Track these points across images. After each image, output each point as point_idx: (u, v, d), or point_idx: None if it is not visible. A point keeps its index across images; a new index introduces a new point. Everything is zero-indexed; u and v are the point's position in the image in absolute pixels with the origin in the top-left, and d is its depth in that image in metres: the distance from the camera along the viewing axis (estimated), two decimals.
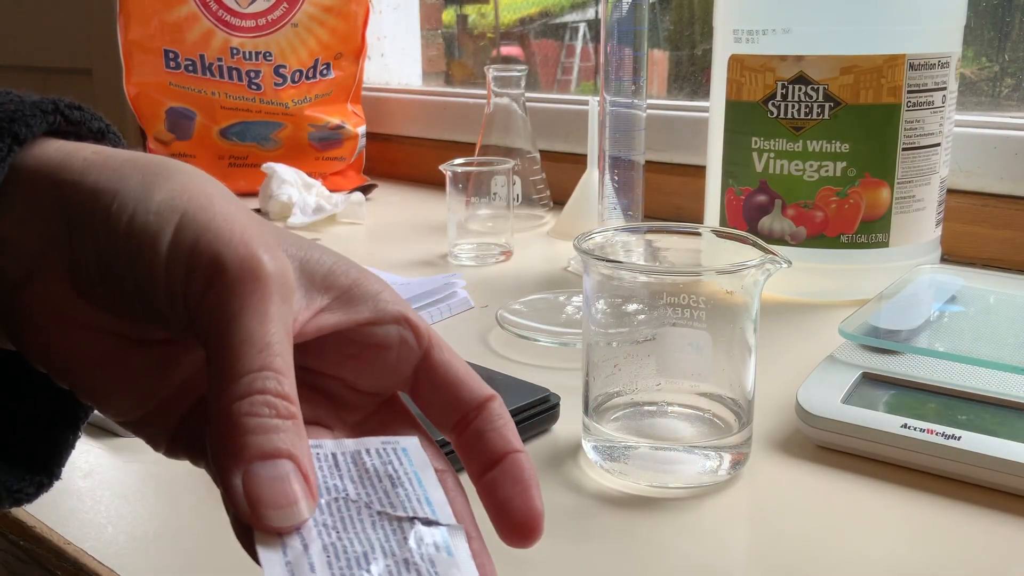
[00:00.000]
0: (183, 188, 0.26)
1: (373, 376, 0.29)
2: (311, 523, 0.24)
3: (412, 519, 0.25)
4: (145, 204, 0.25)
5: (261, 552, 0.23)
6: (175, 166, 0.27)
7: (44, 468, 0.30)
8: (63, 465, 0.31)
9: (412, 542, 0.24)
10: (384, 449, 0.27)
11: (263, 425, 0.23)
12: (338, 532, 0.24)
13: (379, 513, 0.25)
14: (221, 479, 0.23)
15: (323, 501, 0.25)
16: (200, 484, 0.47)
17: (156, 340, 0.28)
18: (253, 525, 0.23)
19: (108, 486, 0.48)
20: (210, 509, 0.45)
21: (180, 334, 0.26)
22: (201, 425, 0.27)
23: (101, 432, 0.53)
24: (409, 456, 0.27)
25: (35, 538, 0.44)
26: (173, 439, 0.29)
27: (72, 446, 0.31)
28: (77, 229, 0.26)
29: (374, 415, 0.30)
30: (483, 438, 0.28)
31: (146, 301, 0.26)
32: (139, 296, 0.26)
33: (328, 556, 0.23)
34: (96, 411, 0.29)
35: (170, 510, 0.46)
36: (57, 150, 0.27)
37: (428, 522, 0.25)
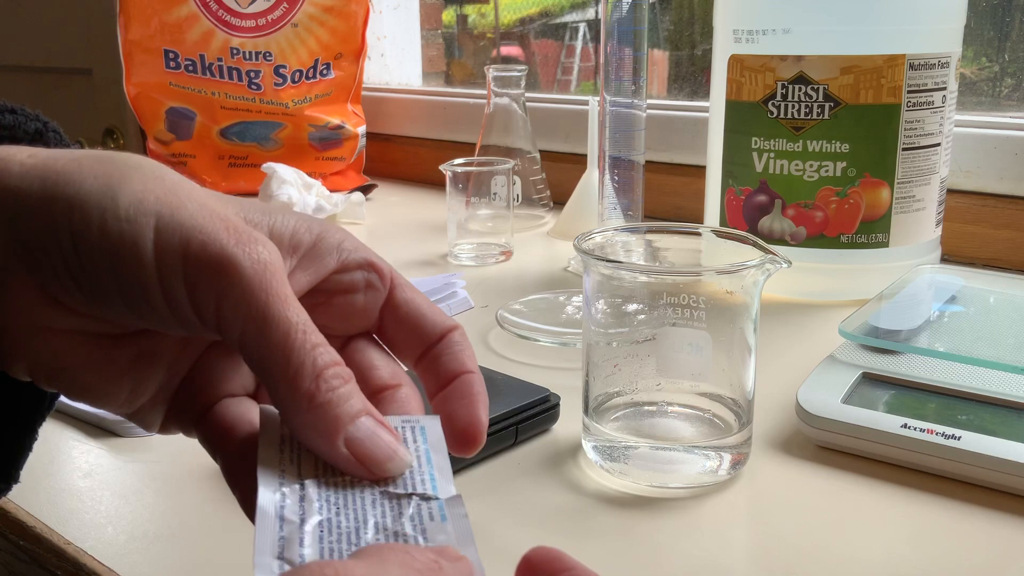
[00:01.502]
0: (145, 188, 0.26)
1: (343, 320, 0.30)
2: (315, 498, 0.25)
3: (411, 495, 0.26)
4: (113, 211, 0.25)
5: (258, 523, 0.24)
6: (124, 161, 0.26)
7: (2, 473, 0.30)
8: (21, 468, 0.31)
9: (406, 517, 0.25)
10: (403, 427, 0.28)
11: (343, 395, 0.25)
12: (338, 508, 0.25)
13: (381, 492, 0.26)
14: (326, 452, 0.26)
15: (332, 480, 0.26)
16: (200, 484, 0.47)
17: (133, 333, 0.28)
18: (373, 479, 0.26)
19: (108, 486, 0.48)
20: (210, 509, 0.45)
21: (175, 328, 0.26)
22: (189, 398, 0.29)
23: (101, 432, 0.53)
24: (425, 434, 0.28)
25: (35, 538, 0.44)
26: (166, 418, 0.29)
27: (30, 448, 0.31)
28: (34, 240, 0.25)
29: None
30: (440, 360, 0.29)
31: (133, 305, 0.26)
32: (125, 300, 0.26)
33: (321, 531, 0.24)
34: (101, 411, 0.29)
35: (170, 510, 0.46)
36: None
37: (426, 497, 0.26)
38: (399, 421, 0.28)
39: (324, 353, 0.25)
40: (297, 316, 0.25)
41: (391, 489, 0.26)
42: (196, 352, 0.29)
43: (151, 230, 0.25)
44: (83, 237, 0.25)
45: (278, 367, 0.25)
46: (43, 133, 0.30)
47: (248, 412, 0.29)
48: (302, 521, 0.24)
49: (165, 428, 0.30)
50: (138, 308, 0.26)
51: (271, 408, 0.28)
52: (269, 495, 0.25)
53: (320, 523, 0.24)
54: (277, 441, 0.27)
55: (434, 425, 0.28)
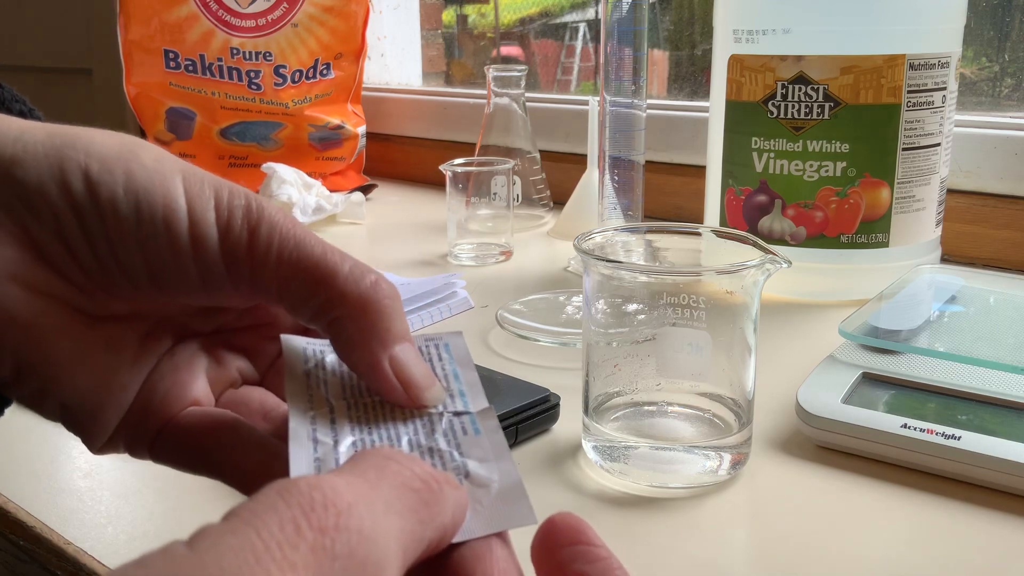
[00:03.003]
0: (160, 152, 0.26)
1: None
2: (347, 420, 0.25)
3: (442, 414, 0.26)
4: (139, 162, 0.25)
5: (291, 447, 0.24)
6: (128, 135, 0.27)
7: None
8: None
9: (439, 432, 0.25)
10: (427, 347, 0.28)
11: (396, 309, 0.26)
12: (370, 428, 0.25)
13: (412, 411, 0.26)
14: (369, 367, 0.25)
15: (361, 402, 0.26)
16: (200, 484, 0.47)
17: (108, 316, 0.27)
18: (409, 405, 0.26)
19: (108, 486, 0.48)
20: (210, 509, 0.45)
21: (189, 280, 0.26)
22: (149, 414, 0.28)
23: None
24: (450, 352, 0.28)
25: (35, 538, 0.44)
26: (115, 433, 0.28)
27: None
28: (36, 188, 0.25)
29: None
30: None
31: (154, 249, 0.25)
32: (144, 246, 0.25)
33: (356, 451, 0.24)
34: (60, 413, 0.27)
35: (170, 510, 0.46)
36: None
37: (458, 413, 0.26)
38: (422, 341, 0.28)
39: (367, 268, 0.26)
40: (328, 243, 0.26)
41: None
42: (156, 354, 0.28)
43: (179, 177, 0.26)
44: (103, 184, 0.25)
45: (327, 277, 0.25)
46: (27, 116, 0.30)
47: (226, 417, 0.28)
48: (336, 442, 0.24)
49: (111, 444, 0.28)
50: (157, 254, 0.25)
51: (293, 336, 0.28)
52: (300, 419, 0.25)
53: (354, 443, 0.24)
54: (302, 368, 0.27)
55: (458, 341, 0.29)
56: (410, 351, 0.26)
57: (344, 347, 0.26)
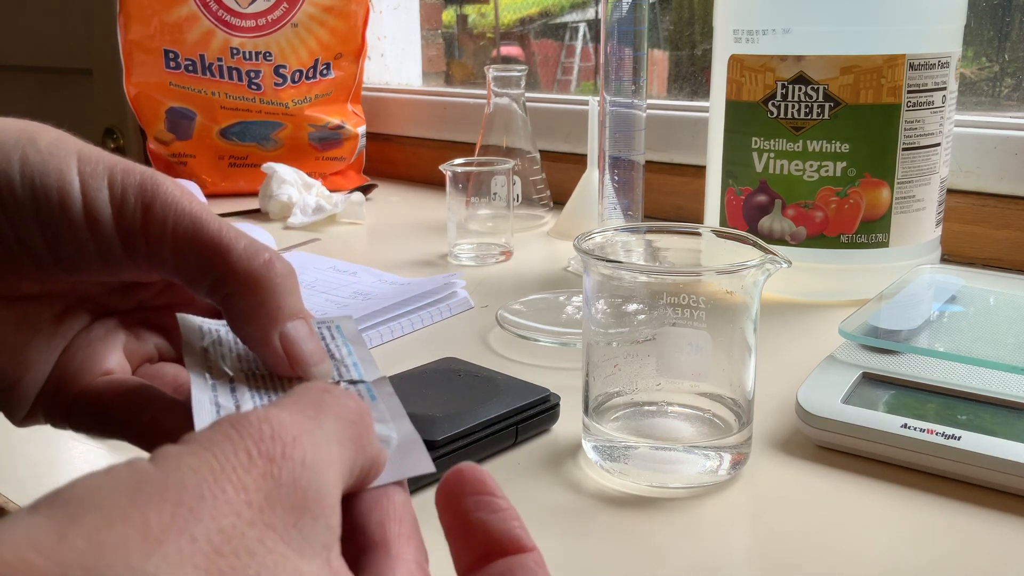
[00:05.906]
0: (60, 136, 0.27)
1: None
2: (246, 389, 0.26)
3: (338, 382, 0.27)
4: (34, 147, 0.26)
5: (195, 412, 0.25)
6: (30, 122, 0.28)
7: None
8: None
9: None
10: (319, 328, 0.29)
11: (289, 287, 0.26)
12: (270, 397, 0.26)
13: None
14: (259, 342, 0.26)
15: (259, 374, 0.27)
16: None
17: (20, 296, 0.28)
18: (298, 377, 0.27)
19: None
20: None
21: (89, 260, 0.27)
22: (64, 385, 0.29)
23: None
24: (342, 332, 0.29)
25: None
26: (35, 404, 0.29)
27: None
28: None
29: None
30: None
31: (53, 235, 0.26)
32: (45, 232, 0.26)
33: None
34: None
35: None
36: None
37: (354, 381, 0.27)
38: (314, 324, 0.29)
39: (263, 246, 0.27)
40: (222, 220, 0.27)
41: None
42: (72, 330, 0.30)
43: (74, 158, 0.26)
44: (0, 171, 0.26)
45: (221, 253, 0.26)
46: None
47: (131, 381, 0.29)
48: (237, 407, 0.25)
49: (31, 416, 0.30)
50: (56, 234, 0.26)
51: (188, 315, 0.29)
52: (201, 386, 0.26)
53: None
54: (199, 344, 0.28)
55: (348, 323, 0.30)
56: (301, 328, 0.27)
57: (236, 322, 0.27)
